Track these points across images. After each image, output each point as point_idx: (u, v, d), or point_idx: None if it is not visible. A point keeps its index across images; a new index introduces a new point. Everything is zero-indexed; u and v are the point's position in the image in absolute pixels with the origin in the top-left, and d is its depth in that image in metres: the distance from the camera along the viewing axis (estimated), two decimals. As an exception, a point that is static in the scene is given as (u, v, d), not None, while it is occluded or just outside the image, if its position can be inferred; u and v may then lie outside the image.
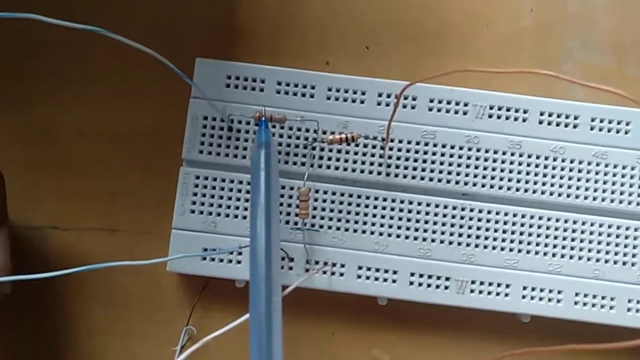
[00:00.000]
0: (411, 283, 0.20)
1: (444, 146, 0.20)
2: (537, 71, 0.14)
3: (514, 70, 0.15)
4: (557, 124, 0.20)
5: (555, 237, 0.20)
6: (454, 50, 0.22)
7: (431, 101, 0.20)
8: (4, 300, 0.19)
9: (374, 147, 0.20)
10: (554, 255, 0.20)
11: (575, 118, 0.20)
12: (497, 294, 0.20)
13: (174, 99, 0.21)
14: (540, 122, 0.20)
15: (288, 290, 0.19)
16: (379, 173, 0.20)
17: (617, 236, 0.20)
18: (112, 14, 0.22)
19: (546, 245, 0.20)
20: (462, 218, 0.20)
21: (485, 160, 0.20)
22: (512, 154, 0.20)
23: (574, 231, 0.20)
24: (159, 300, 0.21)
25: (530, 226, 0.20)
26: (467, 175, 0.20)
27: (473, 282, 0.20)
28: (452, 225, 0.20)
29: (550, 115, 0.20)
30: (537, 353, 0.15)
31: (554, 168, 0.20)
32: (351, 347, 0.21)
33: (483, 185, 0.20)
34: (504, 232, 0.20)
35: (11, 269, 0.18)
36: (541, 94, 0.21)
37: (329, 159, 0.20)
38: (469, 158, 0.20)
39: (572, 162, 0.20)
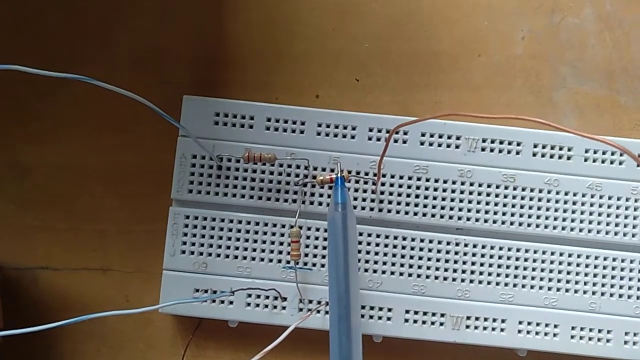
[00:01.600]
0: (406, 320, 0.20)
1: (436, 181, 0.20)
2: (525, 117, 0.14)
3: (502, 117, 0.14)
4: (551, 156, 0.20)
5: (551, 271, 0.20)
6: (446, 80, 0.22)
7: (423, 135, 0.20)
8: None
9: (365, 182, 0.20)
10: (549, 289, 0.20)
11: (569, 150, 0.20)
12: (493, 329, 0.20)
13: (163, 138, 0.21)
14: (534, 155, 0.20)
15: (286, 333, 0.18)
16: (371, 209, 0.20)
17: (613, 268, 0.20)
18: (96, 51, 0.22)
19: (542, 279, 0.20)
20: (456, 253, 0.20)
21: (479, 194, 0.20)
22: (506, 187, 0.20)
23: (569, 264, 0.20)
24: (152, 341, 0.21)
25: (526, 260, 0.20)
26: (460, 209, 0.20)
27: (468, 318, 0.20)
28: (447, 261, 0.20)
29: (543, 147, 0.20)
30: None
31: (548, 201, 0.20)
32: (347, 384, 0.21)
33: (477, 220, 0.20)
34: (499, 266, 0.20)
35: (1, 318, 0.18)
36: (534, 126, 0.20)
37: (321, 195, 0.20)
38: (462, 192, 0.20)
39: (566, 194, 0.20)
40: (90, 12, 0.22)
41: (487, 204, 0.20)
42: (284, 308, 0.20)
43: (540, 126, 0.20)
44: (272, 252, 0.20)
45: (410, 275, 0.20)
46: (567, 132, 0.14)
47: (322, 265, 0.20)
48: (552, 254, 0.20)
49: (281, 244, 0.20)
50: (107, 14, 0.22)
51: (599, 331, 0.20)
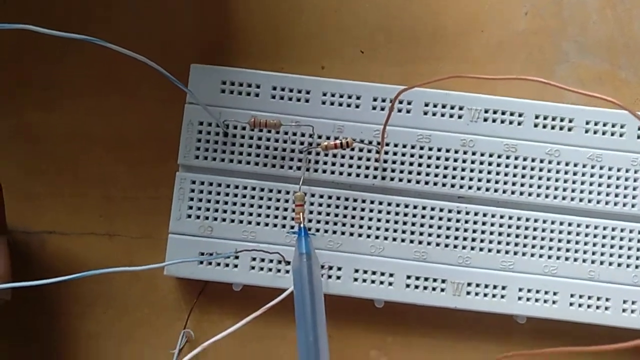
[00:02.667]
0: (407, 285, 0.20)
1: (439, 150, 0.20)
2: (528, 77, 0.14)
3: (506, 77, 0.15)
4: (552, 127, 0.20)
5: (551, 239, 0.20)
6: (449, 54, 0.22)
7: (426, 105, 0.20)
8: (4, 306, 0.19)
9: (369, 151, 0.20)
10: (549, 257, 0.20)
11: (570, 121, 0.20)
12: (493, 295, 0.20)
13: (169, 105, 0.21)
14: (535, 125, 0.20)
15: (286, 293, 0.19)
16: (375, 177, 0.20)
17: (612, 238, 0.20)
18: (106, 22, 0.22)
19: (542, 247, 0.20)
20: (457, 221, 0.20)
21: (481, 163, 0.20)
22: (508, 157, 0.20)
23: (569, 233, 0.20)
24: (157, 304, 0.21)
25: (526, 228, 0.20)
26: (462, 178, 0.20)
27: (469, 285, 0.20)
28: (448, 228, 0.20)
29: (545, 118, 0.20)
30: (530, 355, 0.15)
31: (549, 171, 0.20)
32: (349, 349, 0.21)
33: (478, 188, 0.20)
34: (500, 234, 0.20)
35: (11, 277, 0.18)
36: (536, 97, 0.21)
37: (325, 163, 0.20)
38: (464, 161, 0.20)
39: (567, 164, 0.20)
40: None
41: (489, 173, 0.20)
42: (287, 272, 0.20)
43: (541, 96, 0.21)
44: (276, 217, 0.20)
45: (412, 241, 0.20)
46: (566, 90, 0.14)
47: (326, 231, 0.20)
48: (553, 222, 0.20)
49: (285, 209, 0.20)
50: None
51: (598, 299, 0.20)
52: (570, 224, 0.20)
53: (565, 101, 0.21)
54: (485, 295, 0.20)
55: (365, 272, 0.20)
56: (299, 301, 0.17)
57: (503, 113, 0.20)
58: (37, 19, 0.22)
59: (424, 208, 0.20)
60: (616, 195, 0.20)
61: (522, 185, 0.20)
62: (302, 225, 0.18)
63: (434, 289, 0.20)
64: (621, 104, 0.14)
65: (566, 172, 0.20)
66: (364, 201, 0.20)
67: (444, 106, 0.20)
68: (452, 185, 0.20)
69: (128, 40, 0.22)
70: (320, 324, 0.17)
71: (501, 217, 0.20)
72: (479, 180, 0.20)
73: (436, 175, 0.20)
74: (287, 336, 0.21)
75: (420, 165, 0.20)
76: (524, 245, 0.20)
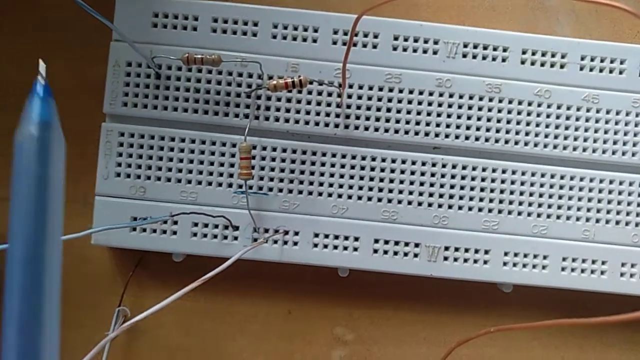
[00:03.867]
0: (375, 251, 0.17)
1: (411, 92, 0.17)
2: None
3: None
4: (542, 64, 0.18)
5: (540, 195, 0.18)
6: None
7: (396, 39, 0.17)
8: None
9: (329, 94, 0.17)
10: (538, 215, 0.18)
11: (563, 57, 0.18)
12: (475, 261, 0.17)
13: (93, 45, 0.18)
14: (523, 62, 0.18)
15: (230, 261, 0.16)
16: (336, 125, 0.17)
17: (610, 192, 0.18)
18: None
19: (530, 204, 0.18)
20: (433, 175, 0.17)
21: (459, 107, 0.17)
22: (490, 100, 0.17)
23: (561, 187, 0.18)
24: (87, 279, 0.18)
25: (512, 183, 0.18)
26: (438, 125, 0.17)
27: (447, 249, 0.17)
28: (422, 184, 0.17)
29: (533, 53, 0.18)
30: (517, 330, 0.13)
31: (538, 115, 0.18)
32: (311, 326, 0.19)
33: (457, 137, 0.17)
34: (482, 190, 0.18)
35: None
36: (523, 29, 0.18)
37: (277, 109, 0.17)
38: (440, 105, 0.17)
39: (558, 107, 0.18)
40: None
41: (469, 118, 0.17)
42: (235, 238, 0.17)
43: (530, 29, 0.18)
44: (221, 175, 0.17)
45: (380, 200, 0.17)
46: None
47: (280, 190, 0.17)
48: (542, 175, 0.18)
49: (231, 165, 0.17)
50: None
51: (593, 262, 0.18)
52: (562, 177, 0.18)
53: (556, 33, 0.18)
54: (465, 260, 0.17)
55: (326, 236, 0.17)
56: (20, 190, 0.10)
57: (485, 48, 0.17)
58: None
59: (393, 161, 0.17)
60: (614, 143, 0.18)
61: (507, 132, 0.17)
62: (43, 82, 0.11)
63: (406, 254, 0.17)
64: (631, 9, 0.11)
65: (558, 117, 0.18)
66: (323, 154, 0.17)
67: (416, 40, 0.17)
68: (427, 134, 0.17)
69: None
70: (52, 235, 0.10)
71: (483, 169, 0.17)
72: (457, 127, 0.17)
73: (407, 122, 0.17)
74: (240, 313, 0.18)
75: (389, 110, 0.17)
76: (510, 202, 0.18)
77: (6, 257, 0.10)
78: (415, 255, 0.17)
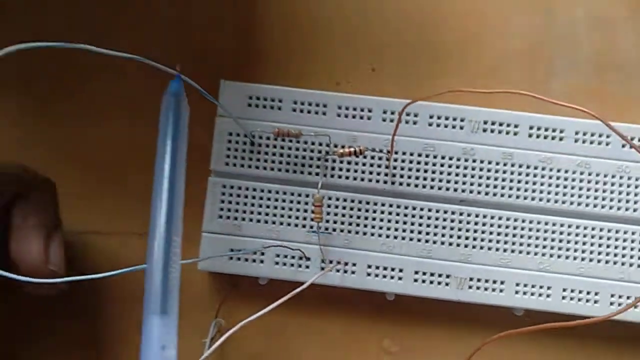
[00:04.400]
0: (415, 280, 0.22)
1: (442, 157, 0.23)
2: (516, 91, 0.17)
3: (498, 91, 0.17)
4: (545, 137, 0.23)
5: (544, 239, 0.22)
6: (450, 70, 0.24)
7: (430, 117, 0.23)
8: (60, 295, 0.22)
9: (379, 158, 0.23)
10: (543, 254, 0.22)
11: (561, 132, 0.23)
12: (493, 289, 0.22)
13: (201, 117, 0.24)
14: (530, 136, 0.23)
15: (305, 285, 0.21)
16: (385, 182, 0.23)
17: (600, 237, 0.22)
18: (146, 40, 0.25)
19: (536, 246, 0.22)
20: (460, 222, 0.22)
21: (481, 170, 0.23)
22: (505, 164, 0.23)
23: (560, 233, 0.22)
24: (191, 298, 0.24)
25: (522, 229, 0.22)
26: (464, 183, 0.23)
27: (471, 279, 0.22)
28: (452, 229, 0.22)
29: (538, 129, 0.23)
30: (512, 336, 0.18)
31: (542, 177, 0.23)
32: (363, 339, 0.23)
33: (479, 193, 0.23)
34: (498, 234, 0.22)
35: (65, 268, 0.21)
36: (530, 110, 0.23)
37: (340, 169, 0.23)
38: (465, 168, 0.23)
39: (558, 171, 0.23)
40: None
41: (488, 178, 0.23)
42: (307, 267, 0.22)
43: (535, 109, 0.23)
44: (297, 218, 0.23)
45: (419, 240, 0.22)
46: (550, 102, 0.16)
47: (341, 231, 0.23)
48: (546, 223, 0.22)
49: (305, 211, 0.23)
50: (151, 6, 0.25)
51: (587, 293, 0.22)
52: (562, 225, 0.22)
53: (556, 114, 0.23)
54: (485, 289, 0.22)
55: (377, 267, 0.22)
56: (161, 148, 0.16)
57: (500, 124, 0.23)
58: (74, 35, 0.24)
59: (429, 210, 0.23)
60: (603, 199, 0.22)
61: (517, 189, 0.23)
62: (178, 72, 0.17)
63: (439, 283, 0.22)
64: (595, 114, 0.16)
65: (558, 178, 0.23)
66: (375, 204, 0.23)
67: (446, 118, 0.23)
68: (455, 190, 0.23)
69: (163, 58, 0.25)
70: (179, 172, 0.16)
71: (499, 218, 0.22)
72: (479, 185, 0.23)
73: (440, 181, 0.23)
74: (306, 327, 0.23)
75: (425, 171, 0.23)
76: (520, 244, 0.22)
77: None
78: (446, 284, 0.22)
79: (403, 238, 0.22)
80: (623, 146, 0.23)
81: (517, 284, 0.22)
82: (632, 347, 0.23)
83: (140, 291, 0.23)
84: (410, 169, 0.23)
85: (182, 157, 0.16)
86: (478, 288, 0.22)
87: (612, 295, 0.22)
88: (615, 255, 0.22)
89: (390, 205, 0.23)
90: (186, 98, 0.17)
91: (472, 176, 0.23)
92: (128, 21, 0.25)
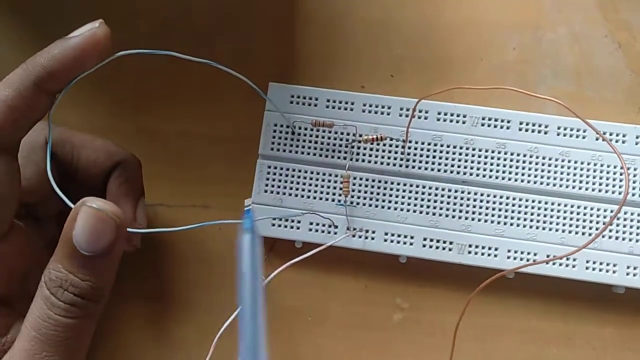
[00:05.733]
0: (424, 245, 0.27)
1: (448, 146, 0.28)
2: (505, 87, 0.22)
3: (491, 87, 0.22)
4: (532, 131, 0.28)
5: (532, 214, 0.27)
6: (456, 77, 0.30)
7: (438, 114, 0.28)
8: (134, 252, 0.27)
9: (396, 146, 0.28)
10: (530, 226, 0.27)
11: (546, 127, 0.28)
12: (489, 255, 0.27)
13: (250, 111, 0.29)
14: (520, 129, 0.28)
15: (333, 242, 0.26)
16: (400, 165, 0.28)
17: (578, 213, 0.27)
18: (208, 45, 0.30)
19: (525, 219, 0.27)
20: (462, 199, 0.27)
21: (479, 156, 0.28)
22: (499, 152, 0.28)
23: (545, 209, 0.27)
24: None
25: (513, 205, 0.27)
26: (465, 167, 0.28)
27: (470, 246, 0.27)
28: (455, 204, 0.27)
29: (527, 124, 0.28)
30: (485, 288, 0.22)
31: (530, 163, 0.27)
32: (380, 296, 0.28)
33: (477, 175, 0.28)
34: (493, 209, 0.27)
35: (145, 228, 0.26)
36: (520, 108, 0.28)
37: (364, 154, 0.28)
38: (466, 155, 0.28)
39: (543, 158, 0.27)
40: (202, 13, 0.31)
41: (485, 163, 0.28)
42: (335, 233, 0.27)
43: (525, 108, 0.28)
44: (328, 193, 0.28)
45: (427, 213, 0.27)
46: (532, 95, 0.21)
47: (364, 204, 0.28)
48: (533, 201, 0.27)
49: (335, 188, 0.28)
50: (214, 22, 0.31)
51: (567, 259, 0.27)
52: (546, 203, 0.27)
53: (542, 112, 0.28)
54: (482, 254, 0.27)
55: (392, 234, 0.27)
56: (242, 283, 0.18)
57: (495, 120, 0.28)
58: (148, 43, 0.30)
59: (436, 188, 0.28)
60: (580, 182, 0.27)
61: (510, 173, 0.27)
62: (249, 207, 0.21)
63: (444, 248, 0.27)
64: (567, 106, 0.21)
65: (543, 164, 0.27)
66: (392, 182, 0.28)
67: (451, 115, 0.28)
68: (458, 172, 0.28)
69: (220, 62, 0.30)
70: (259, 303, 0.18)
71: (494, 196, 0.27)
72: (478, 169, 0.28)
73: (446, 165, 0.28)
74: (332, 283, 0.28)
75: (434, 157, 0.28)
76: (512, 218, 0.27)
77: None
78: (450, 249, 0.27)
79: (414, 211, 0.27)
80: (597, 139, 0.27)
81: (509, 250, 0.27)
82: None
83: (197, 252, 0.29)
84: (421, 155, 0.28)
85: (259, 287, 0.19)
86: (476, 253, 0.27)
87: (587, 261, 0.27)
88: (591, 227, 0.27)
89: (404, 184, 0.28)
90: (259, 230, 0.20)
91: (472, 162, 0.28)
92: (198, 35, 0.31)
